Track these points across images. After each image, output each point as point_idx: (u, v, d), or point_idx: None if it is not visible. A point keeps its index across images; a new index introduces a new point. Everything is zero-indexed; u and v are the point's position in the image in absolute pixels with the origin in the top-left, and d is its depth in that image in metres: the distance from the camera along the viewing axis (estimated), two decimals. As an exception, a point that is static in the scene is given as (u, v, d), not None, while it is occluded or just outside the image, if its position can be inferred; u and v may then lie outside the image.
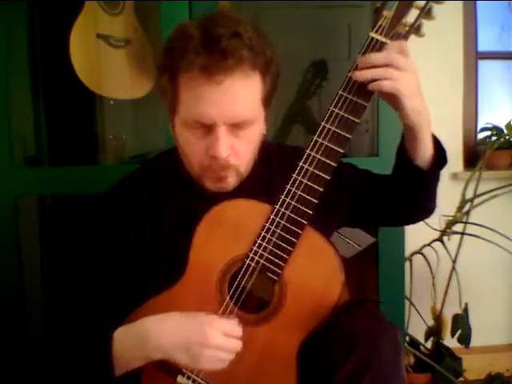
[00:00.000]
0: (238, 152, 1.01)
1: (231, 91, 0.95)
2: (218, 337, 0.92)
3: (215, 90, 0.94)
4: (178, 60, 0.95)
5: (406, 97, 0.94)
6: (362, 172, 1.21)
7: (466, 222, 2.01)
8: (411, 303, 1.98)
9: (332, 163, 0.97)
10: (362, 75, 0.94)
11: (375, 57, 0.94)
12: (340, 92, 0.96)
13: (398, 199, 1.13)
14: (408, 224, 1.33)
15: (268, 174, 1.11)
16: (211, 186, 1.04)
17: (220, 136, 0.97)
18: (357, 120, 0.96)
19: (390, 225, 1.41)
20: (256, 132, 1.03)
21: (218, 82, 0.94)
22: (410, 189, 1.09)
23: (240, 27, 0.95)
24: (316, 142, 0.97)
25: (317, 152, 0.97)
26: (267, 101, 1.03)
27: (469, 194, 2.03)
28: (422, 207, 1.15)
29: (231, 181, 1.03)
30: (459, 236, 2.01)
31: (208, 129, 0.98)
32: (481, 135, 2.29)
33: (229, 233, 1.00)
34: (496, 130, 2.21)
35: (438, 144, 1.05)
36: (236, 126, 0.98)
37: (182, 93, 0.98)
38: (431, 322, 2.05)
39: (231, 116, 0.97)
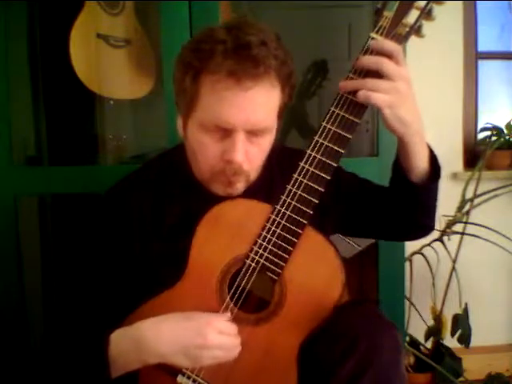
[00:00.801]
0: (251, 158, 1.01)
1: (256, 99, 0.95)
2: (216, 337, 0.92)
3: (241, 96, 0.94)
4: (206, 60, 0.95)
5: (387, 107, 0.93)
6: (362, 181, 1.20)
7: (466, 222, 2.01)
8: (411, 303, 1.98)
9: (333, 163, 0.97)
10: (343, 86, 0.95)
11: (362, 61, 0.94)
12: (341, 93, 0.97)
13: (393, 214, 1.11)
14: (405, 240, 1.31)
15: (269, 175, 1.11)
16: (219, 190, 1.04)
17: (238, 141, 0.97)
18: (357, 120, 0.96)
19: (385, 239, 1.39)
20: (269, 141, 1.03)
21: (245, 88, 0.93)
22: (404, 203, 1.08)
23: (266, 36, 0.95)
24: (317, 142, 0.97)
25: (317, 152, 0.97)
26: (282, 112, 1.03)
27: (469, 194, 2.03)
28: (418, 224, 1.13)
29: (240, 186, 1.03)
30: (459, 236, 2.01)
31: (225, 133, 0.98)
32: (481, 135, 2.29)
33: (229, 233, 1.00)
34: (496, 130, 2.21)
35: (434, 159, 1.03)
36: (253, 133, 0.98)
37: (203, 94, 0.97)
38: (431, 322, 2.05)
39: (252, 123, 0.97)
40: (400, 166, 1.04)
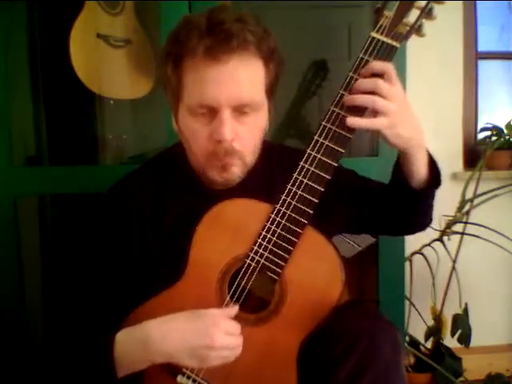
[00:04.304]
0: (241, 138, 1.00)
1: (235, 72, 0.96)
2: (223, 337, 0.92)
3: (220, 71, 0.95)
4: (183, 46, 0.96)
5: (386, 128, 0.95)
6: (362, 179, 1.21)
7: (466, 222, 2.01)
8: (411, 303, 1.98)
9: (333, 163, 0.97)
10: (350, 100, 0.95)
11: (361, 83, 0.95)
12: (341, 92, 0.97)
13: (391, 212, 1.13)
14: (402, 235, 1.32)
15: (270, 174, 1.11)
16: (216, 176, 1.03)
17: (224, 119, 0.97)
18: (358, 120, 0.96)
19: (385, 234, 1.41)
20: (260, 120, 1.03)
21: (222, 63, 0.94)
22: (403, 205, 1.09)
23: (242, 15, 0.97)
24: (317, 141, 0.97)
25: (317, 152, 0.97)
26: (271, 90, 1.04)
27: (469, 194, 2.03)
28: (416, 222, 1.16)
29: (236, 170, 1.03)
30: (459, 236, 2.01)
31: (213, 114, 0.98)
32: (481, 135, 2.29)
33: (229, 232, 1.00)
34: (496, 129, 2.21)
35: (433, 165, 1.05)
36: (240, 111, 0.98)
37: (186, 78, 0.98)
38: (431, 322, 2.05)
39: (235, 97, 0.97)
40: (400, 171, 1.05)
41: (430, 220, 1.17)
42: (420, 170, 1.03)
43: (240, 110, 0.98)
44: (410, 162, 1.02)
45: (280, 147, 1.20)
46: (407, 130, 0.97)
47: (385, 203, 1.13)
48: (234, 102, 0.97)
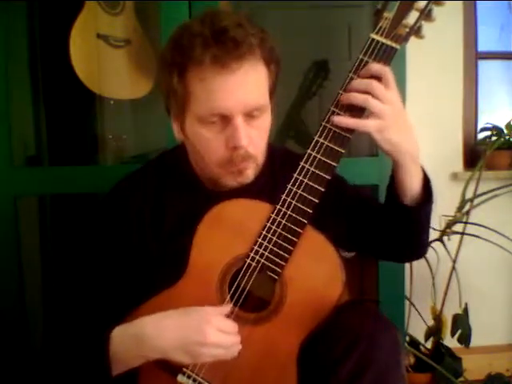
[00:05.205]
0: (254, 142, 1.00)
1: (245, 79, 0.96)
2: (216, 334, 0.92)
3: (229, 79, 0.95)
4: (188, 55, 0.95)
5: (376, 131, 0.95)
6: (365, 198, 1.21)
7: (466, 222, 2.01)
8: (411, 303, 1.98)
9: (333, 163, 0.97)
10: (345, 98, 0.96)
11: (357, 83, 0.95)
12: (341, 92, 0.97)
13: (386, 233, 1.11)
14: (398, 261, 1.30)
15: (272, 175, 1.11)
16: (231, 181, 1.04)
17: (239, 125, 0.97)
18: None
19: (381, 258, 1.38)
20: (267, 121, 1.03)
21: (231, 71, 0.94)
22: (396, 225, 1.08)
23: (239, 19, 0.97)
24: (317, 141, 0.98)
25: (317, 152, 0.97)
26: (272, 90, 1.04)
27: (469, 194, 2.03)
28: (411, 244, 1.13)
29: (250, 173, 1.03)
30: (459, 236, 2.01)
31: (224, 121, 0.98)
32: (481, 135, 2.28)
33: (230, 232, 1.00)
34: (496, 130, 2.21)
35: (427, 182, 1.04)
36: (250, 116, 0.99)
37: (193, 88, 0.98)
38: (431, 322, 2.05)
39: (247, 104, 0.97)
40: (394, 189, 1.05)
41: (423, 246, 1.16)
42: (413, 186, 1.02)
43: (250, 114, 0.98)
44: (402, 173, 1.01)
45: (283, 150, 1.20)
46: (399, 136, 0.97)
47: (380, 223, 1.11)
48: (246, 108, 0.97)
